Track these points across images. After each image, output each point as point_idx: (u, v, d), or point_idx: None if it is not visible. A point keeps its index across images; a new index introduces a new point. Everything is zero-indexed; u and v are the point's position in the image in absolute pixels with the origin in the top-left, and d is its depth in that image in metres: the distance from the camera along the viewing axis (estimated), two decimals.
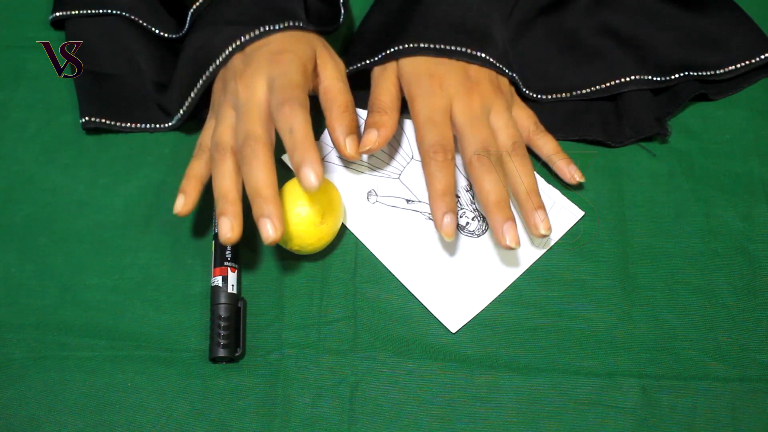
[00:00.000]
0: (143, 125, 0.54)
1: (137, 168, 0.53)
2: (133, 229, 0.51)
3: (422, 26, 0.51)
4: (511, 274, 0.49)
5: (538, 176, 0.52)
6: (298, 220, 0.46)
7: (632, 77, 0.54)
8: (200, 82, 0.50)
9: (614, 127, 0.54)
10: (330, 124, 0.48)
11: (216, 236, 0.49)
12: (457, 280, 0.49)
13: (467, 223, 0.51)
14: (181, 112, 0.52)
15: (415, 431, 0.45)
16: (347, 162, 0.53)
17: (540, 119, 0.53)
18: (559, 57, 0.56)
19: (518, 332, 0.47)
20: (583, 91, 0.54)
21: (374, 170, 0.52)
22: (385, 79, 0.51)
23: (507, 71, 0.52)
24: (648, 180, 0.52)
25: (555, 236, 0.50)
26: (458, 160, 0.52)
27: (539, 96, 0.55)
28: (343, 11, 0.54)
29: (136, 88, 0.55)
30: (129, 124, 0.54)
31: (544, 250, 0.50)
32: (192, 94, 0.51)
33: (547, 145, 0.51)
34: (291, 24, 0.49)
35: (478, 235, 0.50)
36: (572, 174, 0.51)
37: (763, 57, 0.54)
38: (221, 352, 0.45)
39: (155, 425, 0.45)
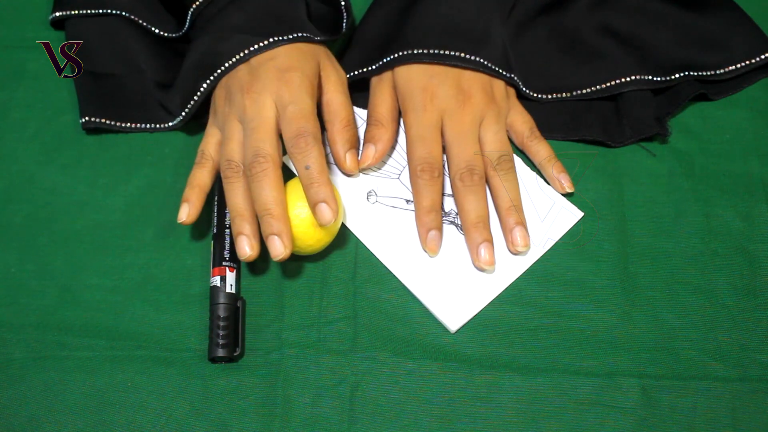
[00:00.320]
0: (143, 125, 0.54)
1: (137, 168, 0.53)
2: (133, 229, 0.51)
3: (418, 30, 0.52)
4: (511, 274, 0.49)
5: (537, 176, 0.52)
6: (298, 221, 0.46)
7: (632, 77, 0.54)
8: (203, 87, 0.50)
9: (614, 127, 0.54)
10: (331, 137, 0.50)
11: (215, 236, 0.49)
12: (457, 280, 0.49)
13: None
14: (183, 115, 0.53)
15: (415, 431, 0.45)
16: None
17: (540, 119, 0.53)
18: (559, 57, 0.56)
19: (518, 332, 0.47)
20: (584, 91, 0.54)
21: (374, 171, 0.52)
22: (382, 90, 0.52)
23: (504, 73, 0.52)
24: (648, 180, 0.52)
25: (555, 236, 0.50)
26: None
27: (539, 96, 0.55)
28: (346, 16, 0.54)
29: (136, 88, 0.55)
30: (129, 124, 0.54)
31: (544, 250, 0.50)
32: (195, 98, 0.51)
33: (541, 152, 0.52)
34: (298, 35, 0.49)
35: None
36: (562, 183, 0.51)
37: (763, 57, 0.54)
38: (220, 352, 0.45)
39: (155, 425, 0.45)
